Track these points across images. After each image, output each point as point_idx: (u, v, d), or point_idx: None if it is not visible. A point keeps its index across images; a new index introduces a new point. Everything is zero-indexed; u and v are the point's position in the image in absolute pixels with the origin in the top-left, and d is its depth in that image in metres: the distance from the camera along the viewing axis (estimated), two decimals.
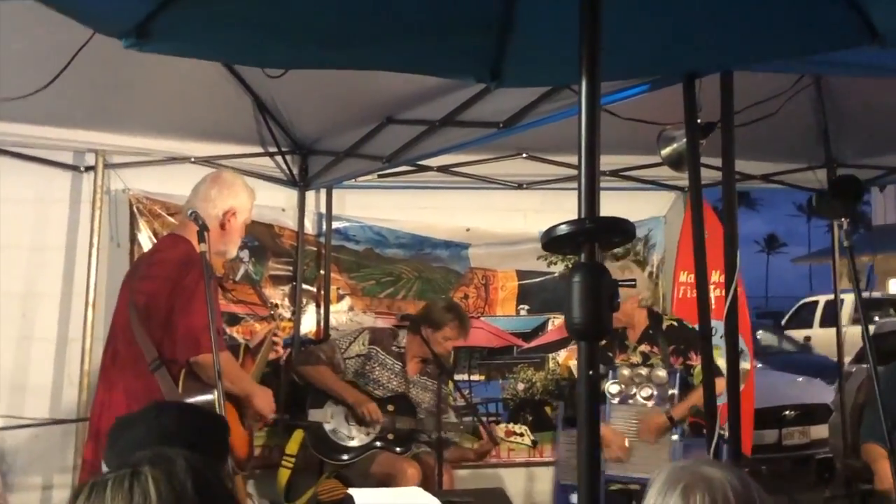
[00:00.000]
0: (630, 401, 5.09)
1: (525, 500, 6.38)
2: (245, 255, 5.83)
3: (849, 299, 13.55)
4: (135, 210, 5.54)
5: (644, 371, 5.08)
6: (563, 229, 1.88)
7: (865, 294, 12.19)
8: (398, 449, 5.42)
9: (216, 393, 3.58)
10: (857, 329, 4.67)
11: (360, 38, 2.74)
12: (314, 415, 5.44)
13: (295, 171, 5.90)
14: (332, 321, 6.12)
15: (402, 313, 5.78)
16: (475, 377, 6.42)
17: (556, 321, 6.47)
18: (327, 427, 5.42)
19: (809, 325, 18.32)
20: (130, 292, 4.08)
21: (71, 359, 5.33)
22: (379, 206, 6.24)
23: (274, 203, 5.93)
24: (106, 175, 5.41)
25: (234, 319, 5.76)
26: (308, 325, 6.10)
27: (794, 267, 53.61)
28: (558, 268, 6.28)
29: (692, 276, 3.83)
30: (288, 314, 6.01)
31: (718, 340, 3.62)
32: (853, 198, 3.73)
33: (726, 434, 3.40)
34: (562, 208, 5.22)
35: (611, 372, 5.14)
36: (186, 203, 4.27)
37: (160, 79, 4.50)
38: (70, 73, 3.92)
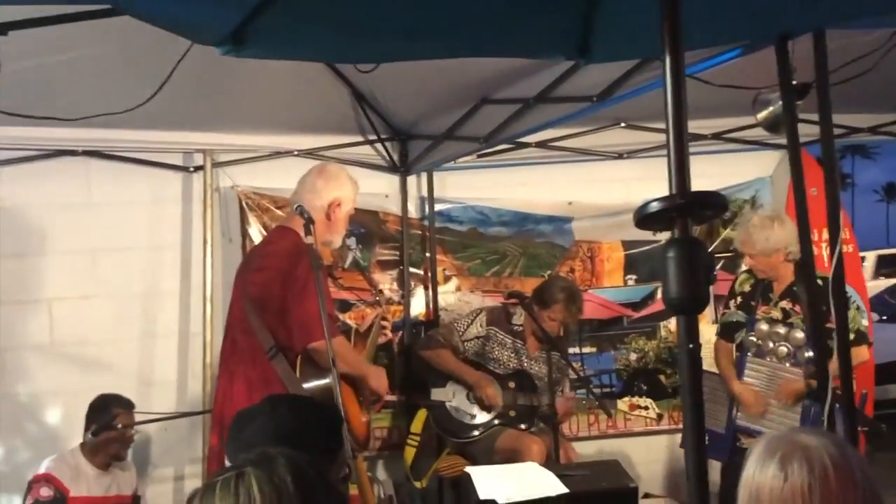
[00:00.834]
0: (767, 358, 4.95)
1: (645, 468, 6.37)
2: (353, 242, 5.96)
3: None
4: (244, 205, 5.71)
5: (782, 330, 4.92)
6: (655, 206, 1.90)
7: None
8: (522, 426, 5.48)
9: (332, 377, 3.70)
10: None
11: (447, 28, 2.78)
12: (437, 394, 5.55)
13: (395, 157, 6.00)
14: (441, 302, 6.21)
15: (508, 291, 5.80)
16: (586, 350, 6.42)
17: None
18: (450, 406, 5.52)
19: None
20: (244, 284, 4.21)
21: (193, 353, 5.55)
22: (480, 185, 6.29)
23: (377, 190, 6.04)
24: (214, 173, 5.60)
25: (345, 306, 5.90)
26: (417, 307, 6.20)
27: None
28: (664, 235, 6.18)
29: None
30: (397, 298, 6.12)
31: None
32: None
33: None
34: (663, 176, 5.12)
35: (749, 324, 5.03)
36: (293, 195, 4.38)
37: (260, 77, 4.60)
38: (175, 78, 4.04)
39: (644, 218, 1.93)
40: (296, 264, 3.98)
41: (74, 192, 5.41)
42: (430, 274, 6.20)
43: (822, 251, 5.69)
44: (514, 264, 6.34)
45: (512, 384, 5.51)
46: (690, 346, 1.86)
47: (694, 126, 5.80)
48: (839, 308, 3.11)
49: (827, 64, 3.02)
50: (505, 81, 4.67)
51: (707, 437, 4.92)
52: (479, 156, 5.91)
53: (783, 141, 6.15)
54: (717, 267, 6.17)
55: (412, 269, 6.15)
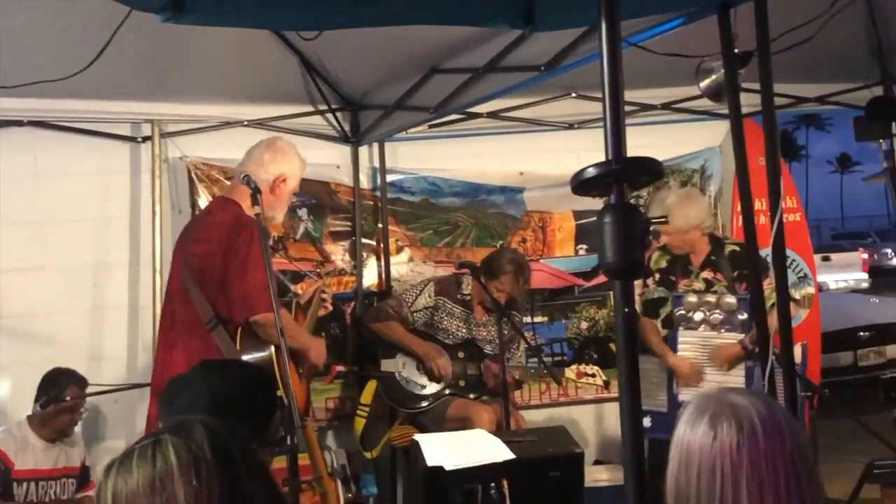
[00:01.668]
0: (701, 328, 5.02)
1: (595, 435, 6.45)
2: (304, 213, 5.94)
3: None
4: (193, 176, 5.66)
5: (712, 298, 5.00)
6: (591, 172, 1.91)
7: None
8: (472, 395, 5.52)
9: (274, 349, 3.71)
10: None
11: None
12: (386, 365, 5.56)
13: (346, 128, 5.97)
14: (394, 273, 6.21)
15: (459, 261, 5.81)
16: (538, 319, 6.47)
17: None
18: (400, 376, 5.54)
19: None
20: (183, 255, 4.16)
21: (143, 324, 5.52)
22: (432, 156, 6.28)
23: (329, 160, 6.02)
24: (163, 144, 5.55)
25: (297, 277, 5.87)
26: (370, 278, 6.19)
27: (869, 186, 52.30)
28: None
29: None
30: (349, 269, 6.11)
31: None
32: (891, 118, 3.67)
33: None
34: None
35: (675, 299, 5.10)
36: (238, 166, 4.33)
37: (207, 46, 4.56)
38: (119, 46, 3.99)
39: (581, 184, 1.95)
40: (236, 236, 3.95)
41: (21, 163, 5.33)
42: (382, 245, 6.19)
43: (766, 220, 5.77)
44: (466, 235, 6.35)
45: (461, 354, 5.54)
46: (626, 309, 1.88)
47: (645, 96, 5.83)
48: (779, 272, 3.16)
49: (768, 31, 3.05)
50: (455, 51, 4.65)
51: (650, 419, 5.01)
52: (431, 126, 5.91)
53: None
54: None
55: (364, 240, 6.14)
